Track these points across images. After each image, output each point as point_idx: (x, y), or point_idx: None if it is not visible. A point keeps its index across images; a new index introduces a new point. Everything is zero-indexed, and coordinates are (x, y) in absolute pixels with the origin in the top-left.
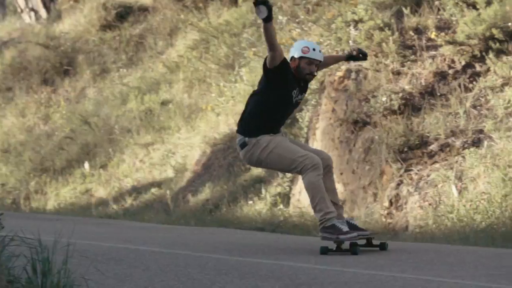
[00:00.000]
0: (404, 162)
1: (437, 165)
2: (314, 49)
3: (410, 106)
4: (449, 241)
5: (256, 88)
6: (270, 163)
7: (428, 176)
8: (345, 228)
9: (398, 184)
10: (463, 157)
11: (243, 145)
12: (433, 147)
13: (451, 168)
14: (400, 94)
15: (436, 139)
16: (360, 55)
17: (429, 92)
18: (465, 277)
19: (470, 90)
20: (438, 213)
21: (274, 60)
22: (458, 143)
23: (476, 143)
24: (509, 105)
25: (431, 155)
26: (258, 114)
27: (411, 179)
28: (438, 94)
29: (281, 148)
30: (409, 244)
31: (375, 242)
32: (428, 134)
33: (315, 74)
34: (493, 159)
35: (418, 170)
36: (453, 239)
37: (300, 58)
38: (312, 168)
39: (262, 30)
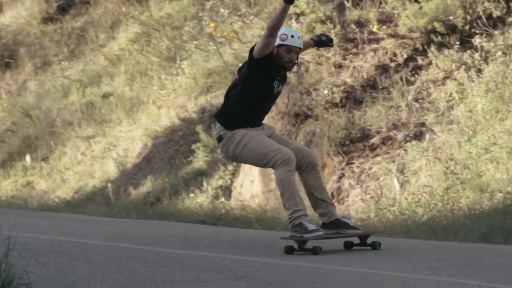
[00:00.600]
0: (345, 155)
1: (378, 158)
2: (292, 36)
3: (352, 99)
4: (391, 234)
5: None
6: (244, 158)
7: (369, 169)
8: (311, 226)
9: (340, 177)
10: (405, 150)
11: (219, 139)
12: (375, 140)
13: (393, 161)
14: (342, 87)
15: (378, 132)
16: (327, 41)
17: (370, 85)
18: (407, 270)
19: (412, 83)
20: (380, 206)
21: (267, 48)
22: (399, 136)
23: (418, 136)
24: (450, 98)
25: (372, 148)
26: (238, 106)
27: (352, 172)
28: (380, 87)
29: (254, 143)
30: (351, 237)
31: (368, 241)
32: (369, 127)
33: (296, 61)
34: (434, 152)
35: (359, 163)
36: (395, 232)
37: (279, 46)
38: (282, 164)
39: (279, 10)
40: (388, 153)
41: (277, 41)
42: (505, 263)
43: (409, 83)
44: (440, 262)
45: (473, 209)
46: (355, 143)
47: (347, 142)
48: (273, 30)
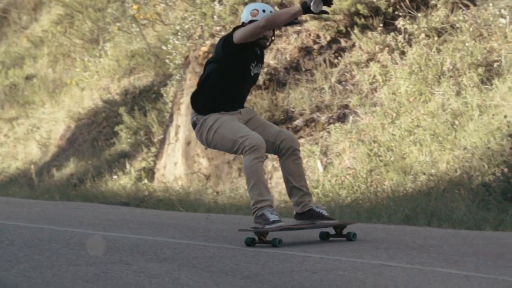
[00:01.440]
0: None
1: (302, 140)
2: (264, 11)
3: (275, 81)
4: None
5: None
6: (217, 144)
7: None
8: (273, 217)
9: None
10: (328, 132)
11: (194, 125)
12: (298, 122)
13: (316, 143)
14: (265, 69)
15: (301, 114)
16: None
17: (294, 67)
18: (330, 252)
19: (335, 66)
20: None
21: (254, 37)
22: (323, 118)
23: (341, 118)
24: (374, 80)
25: (296, 130)
26: (211, 90)
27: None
28: (303, 69)
29: (224, 128)
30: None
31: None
32: (293, 109)
33: (272, 38)
34: (358, 134)
35: None
36: None
37: (250, 22)
38: (250, 150)
39: (289, 11)
40: (312, 135)
41: (248, 17)
42: (428, 244)
43: (333, 65)
44: (363, 244)
45: (397, 191)
46: (279, 125)
47: None
48: (271, 25)
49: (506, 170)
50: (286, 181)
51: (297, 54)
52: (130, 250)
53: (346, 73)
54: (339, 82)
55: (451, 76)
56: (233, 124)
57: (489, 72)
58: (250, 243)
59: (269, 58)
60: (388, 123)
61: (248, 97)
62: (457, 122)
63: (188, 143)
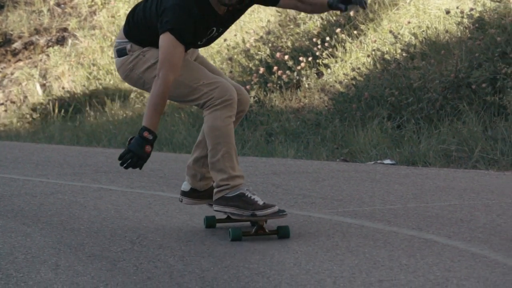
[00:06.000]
0: None
1: (21, 63)
2: None
3: None
4: (34, 139)
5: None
6: None
7: (12, 74)
8: (258, 199)
9: None
10: (48, 55)
11: (121, 53)
12: (17, 45)
13: (36, 66)
14: None
15: (20, 37)
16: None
17: None
18: (50, 175)
19: None
20: (22, 112)
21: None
22: (42, 41)
23: (60, 41)
24: (93, 3)
25: (15, 53)
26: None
27: None
28: None
29: None
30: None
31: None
32: (11, 32)
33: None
34: (77, 57)
35: (1, 68)
36: (38, 138)
37: None
38: (221, 105)
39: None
40: (31, 58)
41: None
42: (149, 168)
43: None
44: (84, 167)
45: (116, 114)
46: None
47: None
48: (153, 97)
49: None
50: (206, 144)
51: None
52: None
53: None
54: (58, 5)
55: None
56: (190, 65)
57: None
58: (239, 236)
59: None
60: (107, 46)
61: None
62: None
63: None
